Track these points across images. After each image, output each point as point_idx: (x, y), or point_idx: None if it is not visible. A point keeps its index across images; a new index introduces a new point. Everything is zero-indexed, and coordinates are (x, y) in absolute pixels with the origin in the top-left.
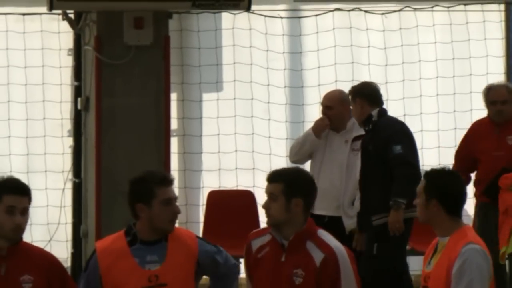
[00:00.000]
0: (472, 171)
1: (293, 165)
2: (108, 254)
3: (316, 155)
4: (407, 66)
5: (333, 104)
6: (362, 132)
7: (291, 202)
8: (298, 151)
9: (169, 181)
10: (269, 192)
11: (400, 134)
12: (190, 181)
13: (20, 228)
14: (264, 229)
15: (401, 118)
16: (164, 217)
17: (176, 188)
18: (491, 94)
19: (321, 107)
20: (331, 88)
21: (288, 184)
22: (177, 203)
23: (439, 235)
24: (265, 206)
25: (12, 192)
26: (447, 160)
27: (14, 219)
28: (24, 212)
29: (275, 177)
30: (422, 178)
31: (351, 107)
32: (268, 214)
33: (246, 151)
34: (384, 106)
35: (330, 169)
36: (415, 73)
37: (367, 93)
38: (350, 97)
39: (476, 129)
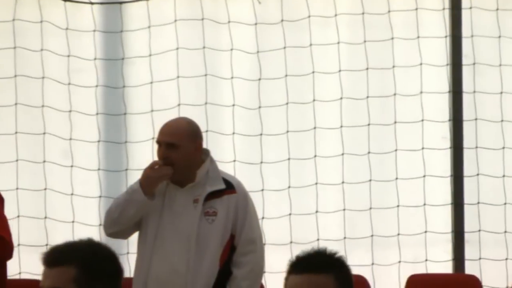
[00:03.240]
0: None
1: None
2: None
3: (146, 223)
4: None
5: (177, 140)
6: (221, 186)
7: None
8: (117, 219)
9: None
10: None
11: None
12: None
13: None
14: None
15: None
16: None
17: None
18: None
19: (156, 146)
20: None
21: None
22: None
23: None
24: None
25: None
26: None
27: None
28: None
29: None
30: None
31: None
32: None
33: None
34: None
35: (171, 245)
36: None
37: None
38: None
39: None
